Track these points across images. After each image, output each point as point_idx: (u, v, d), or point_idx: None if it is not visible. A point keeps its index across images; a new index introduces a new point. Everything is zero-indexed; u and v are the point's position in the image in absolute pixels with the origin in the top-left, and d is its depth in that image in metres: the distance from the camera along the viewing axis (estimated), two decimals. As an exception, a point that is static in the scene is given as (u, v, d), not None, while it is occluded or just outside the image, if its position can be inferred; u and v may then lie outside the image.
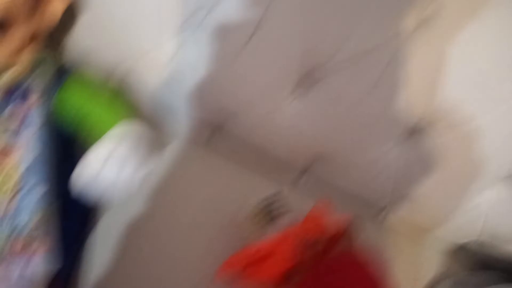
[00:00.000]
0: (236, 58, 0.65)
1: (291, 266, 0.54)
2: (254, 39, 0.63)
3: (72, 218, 0.60)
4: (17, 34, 0.51)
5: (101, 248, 0.60)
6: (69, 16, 0.63)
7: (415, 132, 0.66)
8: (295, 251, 0.54)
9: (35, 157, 0.52)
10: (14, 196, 0.51)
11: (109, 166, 0.50)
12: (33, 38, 0.54)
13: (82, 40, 0.67)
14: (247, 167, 0.72)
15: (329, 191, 0.71)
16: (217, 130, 0.74)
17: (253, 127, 0.70)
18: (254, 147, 0.72)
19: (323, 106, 0.66)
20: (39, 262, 0.51)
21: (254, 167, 0.72)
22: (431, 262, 0.71)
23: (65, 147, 0.57)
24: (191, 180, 0.69)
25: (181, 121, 0.73)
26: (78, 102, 0.56)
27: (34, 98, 0.52)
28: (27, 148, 0.52)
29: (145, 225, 0.63)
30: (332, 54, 0.62)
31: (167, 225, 0.64)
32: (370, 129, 0.66)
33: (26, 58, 0.54)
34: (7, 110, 0.52)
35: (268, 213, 0.61)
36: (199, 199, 0.67)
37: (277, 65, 0.65)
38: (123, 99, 0.60)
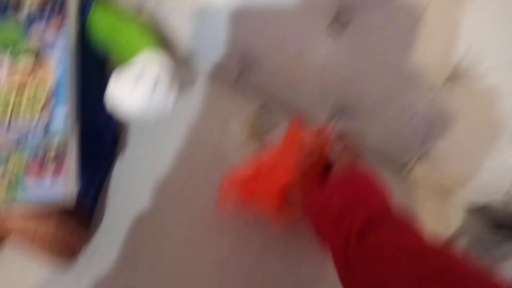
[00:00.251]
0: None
1: (292, 178, 0.54)
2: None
3: (100, 139, 0.60)
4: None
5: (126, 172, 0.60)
6: None
7: (440, 86, 0.64)
8: (295, 162, 0.54)
9: (65, 75, 0.51)
10: (45, 110, 0.51)
11: (140, 88, 0.50)
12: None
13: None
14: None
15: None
16: (246, 70, 0.73)
17: (283, 68, 0.69)
18: (282, 90, 0.72)
19: (354, 48, 0.65)
20: (64, 181, 0.51)
21: (279, 110, 0.72)
22: (453, 218, 0.71)
23: (95, 68, 0.57)
24: (215, 118, 0.68)
25: (210, 61, 0.73)
26: (109, 25, 0.55)
27: (66, 17, 0.52)
28: (57, 65, 0.51)
29: (169, 155, 0.63)
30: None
31: (189, 156, 0.64)
32: (398, 76, 0.66)
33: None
34: (40, 26, 0.51)
35: (260, 125, 0.60)
36: (220, 136, 0.67)
37: (309, 2, 0.64)
38: (152, 29, 0.59)
